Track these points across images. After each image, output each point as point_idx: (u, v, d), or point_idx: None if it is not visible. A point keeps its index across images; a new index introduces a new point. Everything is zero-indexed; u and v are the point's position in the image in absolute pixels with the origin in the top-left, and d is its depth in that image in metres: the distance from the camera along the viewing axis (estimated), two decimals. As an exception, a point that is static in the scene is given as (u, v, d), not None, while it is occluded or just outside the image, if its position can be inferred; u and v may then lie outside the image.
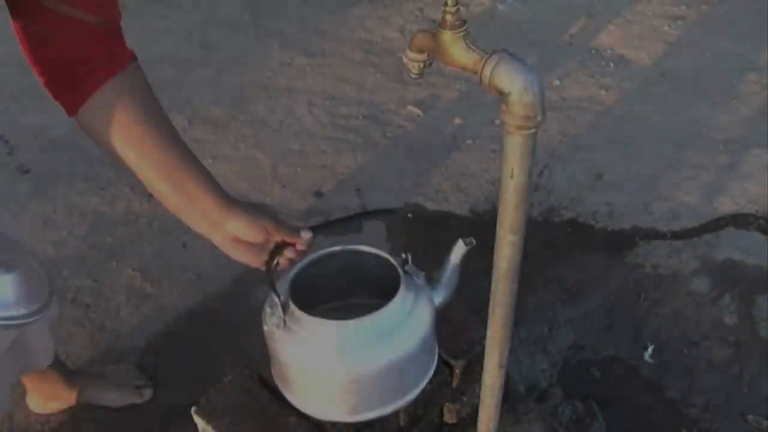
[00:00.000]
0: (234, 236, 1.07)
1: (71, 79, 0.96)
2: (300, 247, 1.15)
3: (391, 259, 1.26)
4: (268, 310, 1.20)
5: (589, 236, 2.29)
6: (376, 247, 1.29)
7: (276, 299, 1.16)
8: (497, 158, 2.53)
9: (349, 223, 1.20)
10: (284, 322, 1.17)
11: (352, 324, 1.17)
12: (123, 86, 0.98)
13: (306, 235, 1.13)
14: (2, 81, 2.79)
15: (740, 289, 2.13)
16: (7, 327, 0.89)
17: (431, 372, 1.33)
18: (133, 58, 1.02)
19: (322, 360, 1.18)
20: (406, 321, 1.20)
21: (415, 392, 1.28)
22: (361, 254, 1.31)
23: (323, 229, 1.17)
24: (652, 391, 1.89)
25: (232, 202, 1.07)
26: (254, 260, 1.12)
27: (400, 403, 1.27)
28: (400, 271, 1.24)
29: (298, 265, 1.21)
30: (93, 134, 1.00)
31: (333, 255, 1.28)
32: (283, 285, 1.20)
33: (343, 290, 1.39)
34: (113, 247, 2.22)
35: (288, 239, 1.12)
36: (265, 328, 1.22)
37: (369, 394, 1.23)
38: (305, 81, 2.87)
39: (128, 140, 0.99)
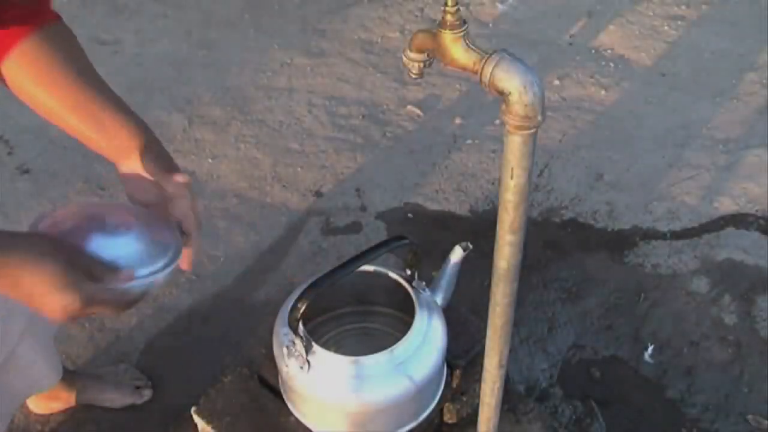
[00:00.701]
0: (133, 173, 1.00)
1: None
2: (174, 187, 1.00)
3: (402, 281, 1.27)
4: (285, 351, 1.20)
5: (589, 236, 2.29)
6: (384, 266, 1.30)
7: (299, 342, 1.16)
8: (497, 158, 2.53)
9: (370, 255, 1.20)
10: (308, 363, 1.17)
11: (371, 359, 1.18)
12: (46, 38, 0.98)
13: (181, 179, 0.98)
14: (2, 81, 2.78)
15: (740, 289, 2.13)
16: (149, 284, 0.86)
17: (442, 386, 1.34)
18: (59, 18, 1.02)
19: (342, 394, 1.19)
20: (424, 343, 1.22)
21: (429, 409, 1.30)
22: (369, 273, 1.31)
23: (354, 263, 1.17)
24: (652, 391, 1.89)
25: (144, 139, 1.00)
26: (146, 198, 1.02)
27: (412, 424, 1.28)
28: (412, 294, 1.24)
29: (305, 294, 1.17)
30: (15, 88, 1.00)
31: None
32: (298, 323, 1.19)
33: (344, 298, 1.40)
34: (113, 247, 2.22)
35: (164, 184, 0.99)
36: (285, 369, 1.21)
37: (385, 419, 1.25)
38: (305, 81, 2.87)
39: (45, 84, 0.99)
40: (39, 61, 0.99)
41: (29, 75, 0.99)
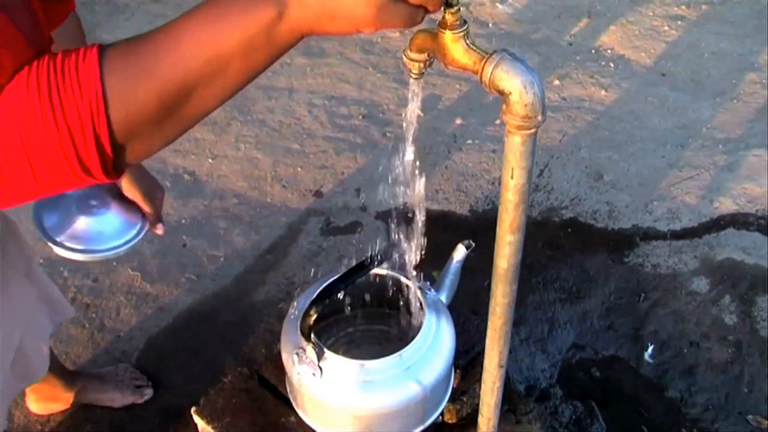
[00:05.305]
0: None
1: None
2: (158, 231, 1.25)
3: (410, 283, 1.26)
4: (296, 357, 1.19)
5: (589, 236, 2.29)
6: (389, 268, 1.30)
7: (311, 349, 1.16)
8: (497, 158, 2.53)
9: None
10: (321, 370, 1.17)
11: (380, 362, 1.17)
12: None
13: (160, 231, 1.25)
14: (2, 81, 2.78)
15: (740, 289, 2.13)
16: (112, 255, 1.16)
17: (450, 389, 1.33)
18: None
19: (351, 398, 1.18)
20: (433, 346, 1.21)
21: (437, 413, 1.29)
22: (374, 275, 1.30)
23: (366, 268, 1.19)
24: (652, 391, 1.89)
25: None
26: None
27: (420, 428, 1.28)
28: (420, 296, 1.24)
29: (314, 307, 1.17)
30: None
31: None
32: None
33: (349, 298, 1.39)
34: (113, 247, 2.22)
35: (149, 216, 1.23)
36: (296, 376, 1.21)
37: (394, 423, 1.24)
38: (305, 81, 2.87)
39: None
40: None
41: None
